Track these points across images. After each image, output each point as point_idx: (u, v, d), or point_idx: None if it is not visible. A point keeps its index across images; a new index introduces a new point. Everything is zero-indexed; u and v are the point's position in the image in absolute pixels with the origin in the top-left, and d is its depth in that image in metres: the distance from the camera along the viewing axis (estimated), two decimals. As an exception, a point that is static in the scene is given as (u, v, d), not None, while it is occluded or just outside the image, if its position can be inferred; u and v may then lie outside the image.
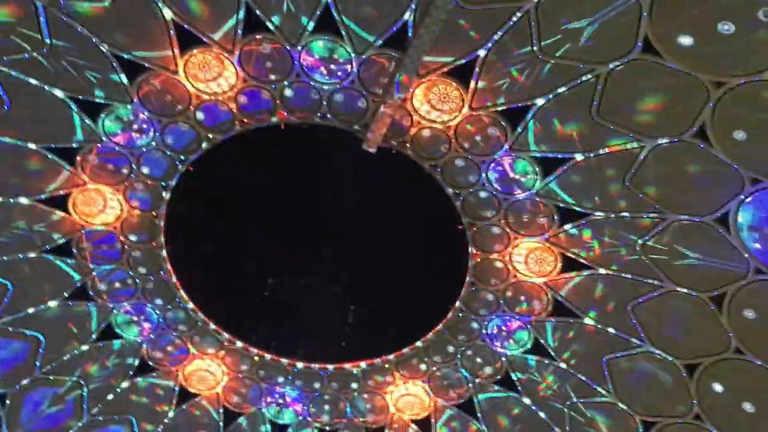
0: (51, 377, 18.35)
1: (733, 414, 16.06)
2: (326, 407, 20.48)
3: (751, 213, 14.16)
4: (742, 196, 14.00)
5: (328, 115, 15.81)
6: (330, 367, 19.82)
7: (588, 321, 17.46)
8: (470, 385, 19.45)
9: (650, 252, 15.79)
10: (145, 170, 16.53)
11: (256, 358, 19.72)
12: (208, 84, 15.05)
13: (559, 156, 15.44)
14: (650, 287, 16.29)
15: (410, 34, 13.67)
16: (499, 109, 15.08)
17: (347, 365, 19.71)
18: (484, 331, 18.73)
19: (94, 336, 18.60)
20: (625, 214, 15.63)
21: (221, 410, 20.07)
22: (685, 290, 15.84)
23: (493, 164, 15.98)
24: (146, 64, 14.44)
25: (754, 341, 15.39)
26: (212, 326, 19.10)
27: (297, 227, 17.47)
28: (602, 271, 16.74)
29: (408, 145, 16.11)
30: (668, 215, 15.15)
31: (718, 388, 16.16)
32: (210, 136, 16.10)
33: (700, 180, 14.33)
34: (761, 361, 15.27)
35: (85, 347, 18.59)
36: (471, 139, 15.73)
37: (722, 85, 12.88)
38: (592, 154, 15.15)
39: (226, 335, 19.27)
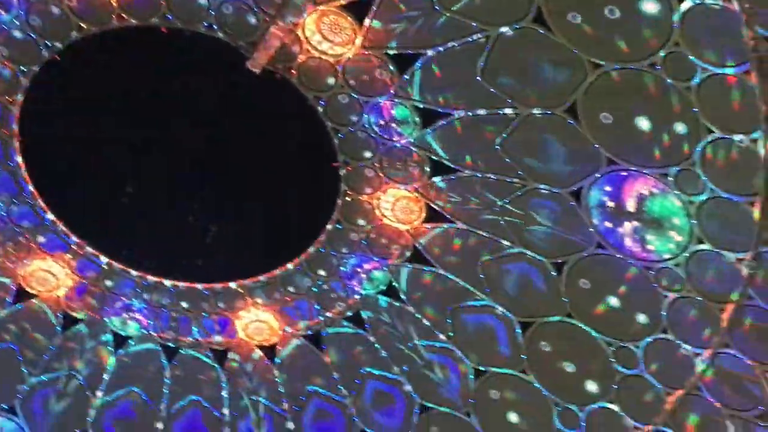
0: None
1: (557, 372, 17.50)
2: (173, 324, 20.18)
3: (601, 192, 15.28)
4: (597, 175, 15.05)
5: (215, 26, 15.13)
6: (181, 284, 19.47)
7: (441, 271, 18.22)
8: (321, 318, 19.84)
9: (507, 214, 16.67)
10: (3, 50, 15.19)
11: (104, 266, 19.00)
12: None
13: (440, 110, 15.77)
14: (502, 247, 17.25)
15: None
16: (390, 52, 15.10)
17: (200, 285, 19.45)
18: (342, 269, 19.06)
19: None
20: (491, 175, 16.31)
21: (60, 315, 19.25)
22: (532, 254, 16.92)
23: (375, 107, 16.06)
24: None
25: (584, 309, 16.81)
26: (61, 227, 18.14)
27: (165, 138, 16.75)
28: (461, 225, 17.47)
29: (294, 72, 15.79)
30: (529, 182, 15.99)
31: (545, 346, 17.52)
32: (82, 25, 14.96)
33: (563, 154, 15.22)
34: (587, 327, 16.74)
35: None
36: (358, 77, 15.67)
37: (599, 67, 13.60)
38: (470, 113, 15.60)
39: (74, 238, 18.38)
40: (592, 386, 17.17)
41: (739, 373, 14.64)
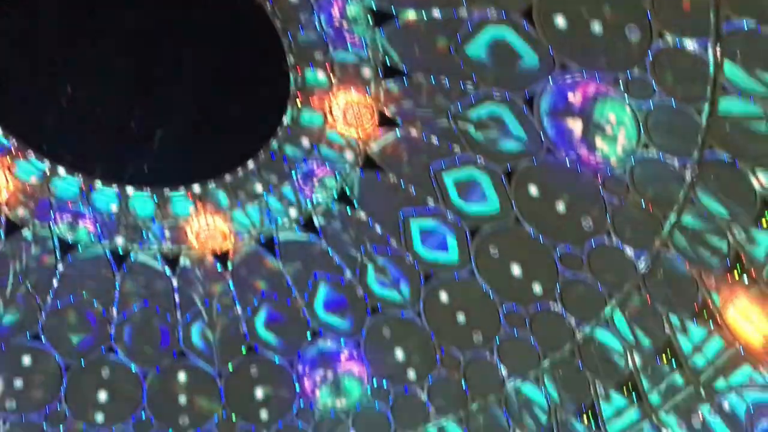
0: None
1: (503, 273, 17.98)
2: (122, 230, 19.89)
3: (552, 98, 15.30)
4: (550, 81, 15.03)
5: None
6: (130, 189, 19.10)
7: (392, 177, 18.24)
8: (273, 224, 19.81)
9: (460, 120, 16.63)
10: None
11: (47, 170, 18.44)
12: None
13: (393, 9, 15.37)
14: (453, 154, 17.30)
15: None
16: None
17: (148, 190, 19.11)
18: (293, 174, 18.92)
19: None
20: (444, 79, 16.14)
21: (2, 220, 18.71)
22: (483, 160, 17.03)
23: (326, 5, 15.55)
24: None
25: (533, 214, 17.13)
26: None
27: (111, 34, 15.99)
28: (413, 132, 17.41)
29: (241, -32, 15.12)
30: (482, 87, 15.90)
31: (494, 251, 17.92)
32: None
33: (517, 57, 15.10)
34: (535, 231, 17.11)
35: None
36: (308, -27, 15.11)
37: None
38: (425, 16, 15.27)
39: (14, 141, 17.70)
40: (537, 288, 17.67)
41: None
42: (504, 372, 18.40)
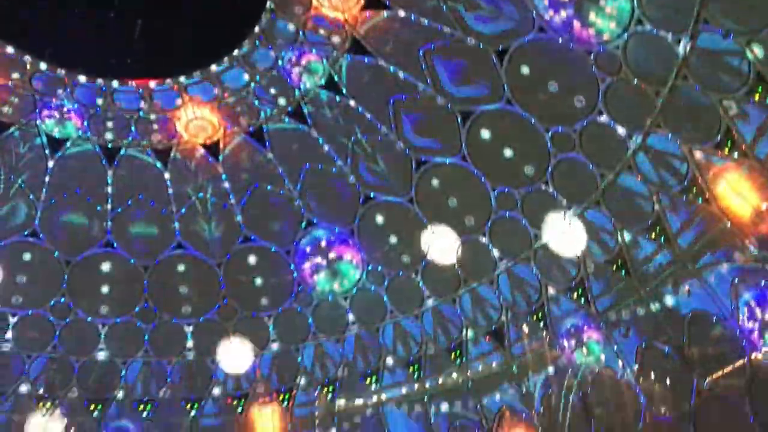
0: None
1: (495, 158, 17.93)
2: (110, 124, 19.67)
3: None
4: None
5: None
6: (114, 83, 18.74)
7: (381, 62, 17.82)
8: (262, 114, 19.57)
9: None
10: None
11: (29, 66, 18.01)
12: None
13: None
14: (444, 35, 16.78)
15: None
16: None
17: (133, 82, 18.75)
18: (280, 62, 18.48)
19: None
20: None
21: (-11, 119, 18.51)
22: (473, 41, 16.55)
23: None
24: None
25: (524, 95, 16.84)
26: (-24, 25, 16.87)
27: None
28: (401, 13, 16.83)
29: None
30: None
31: (485, 134, 17.77)
32: None
33: None
34: (526, 112, 16.88)
35: None
36: None
37: None
38: None
39: (-9, 38, 17.19)
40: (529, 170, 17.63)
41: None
42: (496, 254, 18.68)
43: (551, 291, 18.02)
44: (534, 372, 18.47)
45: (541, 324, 18.15)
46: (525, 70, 16.47)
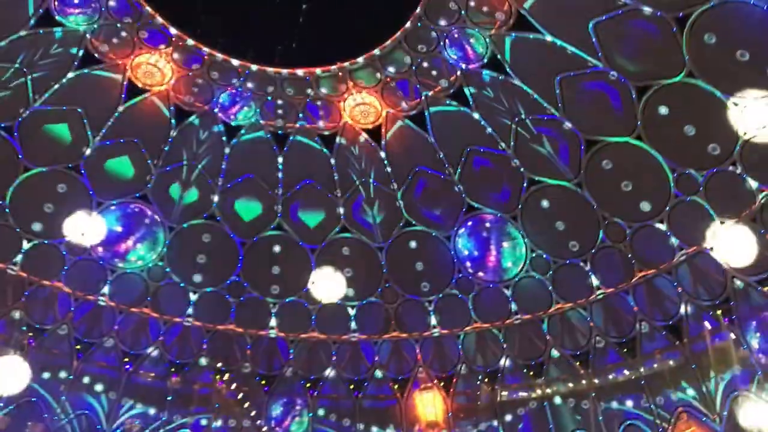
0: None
1: (675, 136, 16.38)
2: (280, 111, 20.41)
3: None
4: None
5: None
6: (284, 71, 19.37)
7: (548, 38, 16.92)
8: (423, 97, 19.37)
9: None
10: None
11: (206, 57, 19.10)
12: None
13: None
14: (616, 5, 15.60)
15: None
16: None
17: (301, 71, 19.28)
18: (441, 43, 18.15)
19: (32, 22, 17.54)
20: None
21: (172, 108, 19.84)
22: (650, 9, 15.20)
23: None
24: None
25: (708, 67, 15.22)
26: (159, 20, 18.12)
27: None
28: (571, -20, 15.89)
29: None
30: None
31: (663, 110, 16.30)
32: None
33: None
34: (710, 87, 15.25)
35: (23, 33, 17.60)
36: None
37: None
38: None
39: (173, 30, 18.39)
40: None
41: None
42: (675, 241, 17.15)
43: (738, 283, 16.21)
44: (717, 372, 16.79)
45: (726, 320, 16.41)
46: (710, 38, 14.89)
